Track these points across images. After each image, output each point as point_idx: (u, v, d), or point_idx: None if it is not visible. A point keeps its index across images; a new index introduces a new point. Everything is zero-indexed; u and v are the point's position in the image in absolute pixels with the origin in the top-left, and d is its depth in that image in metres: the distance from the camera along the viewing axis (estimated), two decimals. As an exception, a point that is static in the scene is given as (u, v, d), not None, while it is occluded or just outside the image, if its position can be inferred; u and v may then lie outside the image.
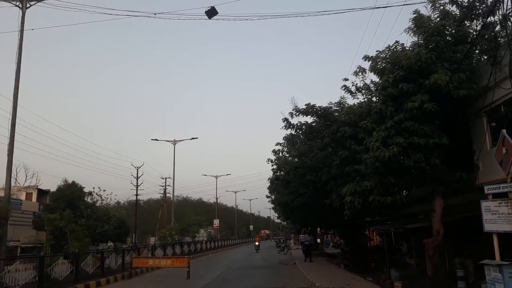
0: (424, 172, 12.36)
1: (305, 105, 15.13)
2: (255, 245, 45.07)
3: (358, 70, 14.25)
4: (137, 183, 48.05)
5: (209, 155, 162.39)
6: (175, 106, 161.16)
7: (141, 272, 21.81)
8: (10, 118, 14.80)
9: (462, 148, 12.33)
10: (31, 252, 36.20)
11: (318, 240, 43.13)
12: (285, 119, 16.03)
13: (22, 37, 14.92)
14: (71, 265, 16.37)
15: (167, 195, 58.91)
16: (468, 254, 13.53)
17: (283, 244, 41.98)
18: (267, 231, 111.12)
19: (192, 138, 44.25)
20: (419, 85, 11.35)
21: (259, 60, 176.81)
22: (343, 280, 15.49)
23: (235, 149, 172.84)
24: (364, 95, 14.78)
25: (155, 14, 14.62)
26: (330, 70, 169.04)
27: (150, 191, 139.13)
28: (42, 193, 45.83)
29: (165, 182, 56.43)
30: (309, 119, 15.93)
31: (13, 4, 15.05)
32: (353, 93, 14.85)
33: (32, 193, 44.93)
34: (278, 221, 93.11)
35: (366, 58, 13.28)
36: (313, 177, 17.67)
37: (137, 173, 47.96)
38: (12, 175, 15.45)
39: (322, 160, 16.29)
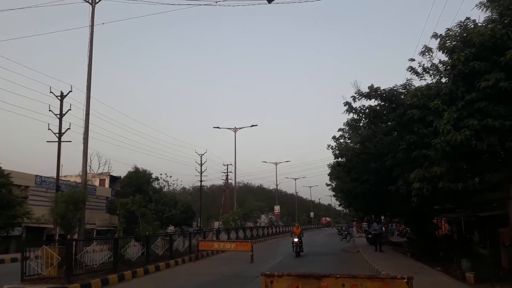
0: (499, 156, 11.55)
1: (368, 87, 14.55)
2: (293, 242, 23.41)
3: (424, 49, 13.47)
4: (201, 169, 49.72)
5: (269, 142, 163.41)
6: (236, 93, 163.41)
7: (207, 255, 22.60)
8: (84, 108, 15.81)
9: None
10: (105, 234, 38.95)
11: (383, 229, 41.92)
12: (347, 103, 15.55)
13: (93, 31, 15.78)
14: (142, 247, 17.23)
15: (229, 181, 60.44)
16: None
17: (346, 232, 41.40)
18: (328, 219, 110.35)
19: (252, 126, 44.75)
20: (493, 63, 10.49)
21: (320, 43, 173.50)
22: (410, 269, 14.97)
23: (294, 135, 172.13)
24: (432, 76, 13.99)
25: (216, 2, 14.78)
26: (394, 53, 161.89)
27: (213, 177, 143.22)
28: (113, 179, 48.96)
29: (227, 168, 57.85)
30: (373, 102, 15.36)
31: (83, 0, 16.00)
32: (420, 74, 14.09)
33: (105, 179, 48.15)
34: (340, 208, 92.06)
35: (434, 36, 12.51)
36: (377, 164, 17.11)
37: (201, 160, 49.58)
38: (87, 162, 16.51)
39: (387, 146, 15.67)
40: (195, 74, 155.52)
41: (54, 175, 28.67)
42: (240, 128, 44.76)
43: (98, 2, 16.02)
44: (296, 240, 23.08)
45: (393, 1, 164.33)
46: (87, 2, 15.98)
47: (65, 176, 38.07)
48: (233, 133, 44.34)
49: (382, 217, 38.67)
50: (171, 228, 38.52)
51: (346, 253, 25.11)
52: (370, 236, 31.63)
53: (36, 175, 35.40)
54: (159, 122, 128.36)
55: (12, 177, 29.09)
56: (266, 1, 11.23)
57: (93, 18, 15.99)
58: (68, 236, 15.16)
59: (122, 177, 47.80)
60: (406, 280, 6.15)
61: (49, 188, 33.94)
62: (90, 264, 13.76)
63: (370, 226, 45.56)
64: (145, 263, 16.54)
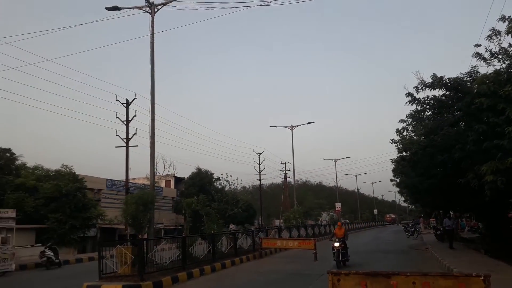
0: None
1: (431, 77, 13.89)
2: (333, 247, 17.34)
3: (492, 33, 12.63)
4: (259, 168, 50.24)
5: (327, 138, 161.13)
6: (292, 90, 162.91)
7: (270, 252, 22.78)
8: (149, 114, 16.55)
9: None
10: (172, 233, 40.54)
11: (455, 224, 39.76)
12: (409, 94, 14.96)
13: (153, 39, 16.49)
14: (208, 245, 17.71)
15: (287, 179, 60.47)
16: None
17: (412, 229, 39.80)
18: (392, 215, 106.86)
19: (309, 123, 44.41)
20: None
21: (376, 35, 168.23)
22: (485, 267, 14.10)
23: (354, 131, 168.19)
24: (501, 61, 13.07)
25: (270, 1, 14.86)
26: (455, 42, 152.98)
27: (272, 176, 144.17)
28: (178, 180, 50.89)
29: (285, 167, 57.93)
30: (437, 92, 14.64)
31: (143, 10, 16.74)
32: (488, 60, 13.22)
33: (170, 180, 50.22)
34: (405, 205, 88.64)
35: (502, 19, 11.70)
36: (444, 156, 16.27)
37: (259, 159, 50.11)
38: (154, 165, 17.25)
39: (454, 137, 14.87)
40: (252, 72, 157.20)
41: (123, 178, 30.35)
42: (297, 126, 44.60)
43: (157, 11, 16.68)
44: (337, 244, 16.92)
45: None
46: (147, 12, 16.71)
47: (133, 179, 40.15)
48: (290, 131, 44.30)
49: (451, 213, 36.77)
50: (231, 227, 39.31)
51: (414, 251, 24.17)
52: (439, 232, 30.19)
53: (107, 179, 37.67)
54: (218, 123, 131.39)
55: (86, 182, 31.24)
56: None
57: (153, 26, 16.66)
58: (139, 235, 15.96)
59: (186, 178, 49.53)
60: (482, 278, 5.79)
61: (119, 190, 35.97)
62: (161, 263, 14.36)
63: (438, 222, 43.52)
64: (211, 260, 16.98)
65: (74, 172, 30.73)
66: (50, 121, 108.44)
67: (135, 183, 39.76)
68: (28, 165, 33.16)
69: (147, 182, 35.51)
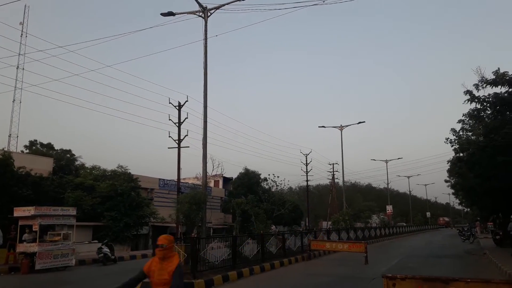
0: None
1: (493, 73, 13.15)
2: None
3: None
4: (306, 169, 49.92)
5: (379, 139, 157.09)
6: (342, 91, 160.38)
7: (319, 254, 22.53)
8: (202, 116, 16.92)
9: None
10: (221, 232, 41.14)
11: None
12: (468, 92, 14.25)
13: (206, 43, 16.85)
14: (257, 245, 17.78)
15: (335, 180, 59.54)
16: None
17: (468, 233, 37.90)
18: (446, 219, 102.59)
19: (359, 123, 43.39)
20: None
21: (433, 34, 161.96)
22: (552, 275, 13.18)
23: (407, 131, 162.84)
24: None
25: (324, 1, 14.64)
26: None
27: (319, 177, 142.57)
28: (226, 180, 51.63)
29: (333, 168, 57.10)
30: (499, 89, 13.83)
31: (197, 15, 17.15)
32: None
33: (218, 180, 51.03)
34: (459, 207, 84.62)
35: None
36: (506, 157, 15.37)
37: (306, 160, 49.77)
38: (206, 165, 17.59)
39: (517, 137, 14.05)
40: (300, 73, 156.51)
41: (175, 178, 31.19)
42: (346, 126, 43.79)
43: (209, 16, 16.99)
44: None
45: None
46: (200, 16, 17.06)
47: (183, 179, 41.20)
48: (339, 131, 43.59)
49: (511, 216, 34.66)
50: (272, 228, 39.28)
51: (470, 256, 22.98)
52: (498, 237, 28.49)
53: (160, 179, 38.90)
54: (266, 124, 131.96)
55: (139, 181, 32.44)
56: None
57: (206, 30, 17.01)
58: (192, 234, 16.33)
59: (233, 178, 50.15)
60: (551, 286, 5.42)
61: (171, 190, 37.01)
62: (212, 261, 14.60)
63: (496, 226, 41.12)
64: (260, 261, 17.03)
65: (129, 172, 32.01)
66: (108, 124, 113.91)
67: (186, 182, 40.77)
68: (86, 165, 34.96)
69: (197, 182, 36.37)
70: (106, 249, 20.49)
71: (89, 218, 27.82)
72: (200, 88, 17.11)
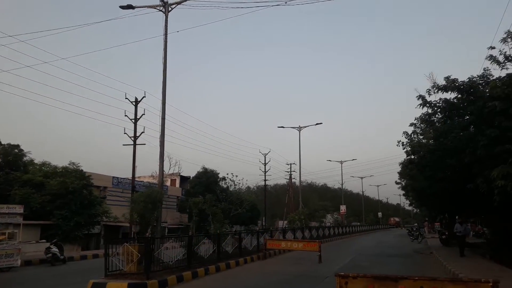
0: None
1: (444, 79, 13.80)
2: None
3: (507, 36, 12.51)
4: (265, 169, 50.25)
5: (334, 140, 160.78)
6: (301, 91, 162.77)
7: (274, 253, 22.71)
8: (160, 113, 16.53)
9: None
10: (176, 232, 40.54)
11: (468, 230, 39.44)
12: (420, 96, 14.87)
13: (167, 39, 16.45)
14: (213, 245, 17.65)
15: (293, 180, 60.37)
16: None
17: (417, 233, 39.62)
18: (396, 219, 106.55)
19: (317, 124, 44.15)
20: None
21: (387, 36, 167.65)
22: (491, 273, 13.96)
23: (361, 133, 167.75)
24: (515, 65, 12.97)
25: (286, 2, 14.73)
26: (470, 44, 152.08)
27: (277, 177, 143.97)
28: (183, 179, 50.99)
29: (290, 168, 57.87)
30: (449, 95, 14.53)
31: (157, 9, 16.71)
32: (501, 63, 13.10)
33: (175, 179, 50.31)
34: (410, 208, 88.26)
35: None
36: (453, 160, 16.15)
37: (265, 160, 50.12)
38: (163, 163, 17.23)
39: (465, 141, 14.76)
40: (260, 73, 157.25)
41: (129, 176, 30.41)
42: (305, 127, 44.43)
43: (171, 11, 16.66)
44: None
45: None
46: (161, 11, 16.68)
47: (138, 177, 40.26)
48: (298, 132, 44.18)
49: (457, 217, 36.61)
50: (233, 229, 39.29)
51: (418, 255, 24.01)
52: (444, 237, 29.97)
53: (113, 177, 37.80)
54: (225, 123, 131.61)
55: (92, 179, 31.32)
56: (333, -1, 11.00)
57: (167, 25, 16.62)
58: (147, 234, 15.96)
59: (191, 177, 49.59)
60: (491, 284, 5.69)
61: (125, 188, 36.07)
62: (166, 261, 14.34)
63: (443, 226, 43.23)
64: (216, 260, 16.93)
65: (81, 170, 30.85)
66: (59, 118, 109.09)
67: (141, 181, 39.87)
68: (35, 161, 33.32)
69: (152, 181, 35.61)
70: (54, 249, 19.69)
71: (38, 217, 26.62)
72: (159, 84, 16.77)
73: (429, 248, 27.32)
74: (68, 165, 30.81)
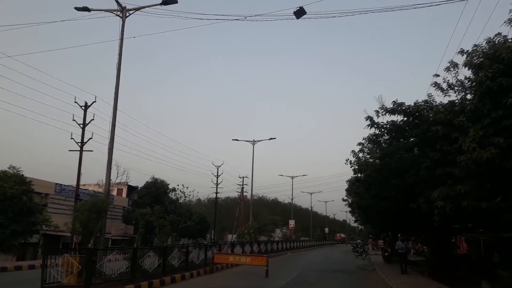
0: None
1: (392, 102, 14.51)
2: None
3: (450, 65, 13.36)
4: (217, 181, 49.90)
5: (287, 155, 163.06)
6: (256, 107, 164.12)
7: (222, 268, 22.45)
8: (111, 120, 15.97)
9: None
10: (120, 244, 39.06)
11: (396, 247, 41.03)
12: (369, 117, 15.50)
13: (122, 44, 16.06)
14: (159, 258, 17.19)
15: (244, 194, 60.35)
16: None
17: (361, 249, 40.79)
18: (342, 235, 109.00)
19: (271, 139, 44.63)
20: (522, 80, 10.31)
21: (343, 59, 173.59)
22: (429, 290, 14.66)
23: (313, 149, 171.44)
24: (456, 92, 13.85)
25: (245, 18, 14.90)
26: (418, 70, 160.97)
27: (229, 190, 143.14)
28: (131, 189, 49.36)
29: (243, 181, 57.85)
30: (395, 117, 15.25)
31: (114, 14, 16.31)
32: (444, 90, 13.95)
33: (122, 189, 48.58)
34: (355, 225, 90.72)
35: (460, 52, 12.41)
36: (397, 180, 16.88)
37: (217, 172, 49.79)
38: (111, 172, 16.63)
39: (409, 162, 15.49)
40: (216, 87, 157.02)
41: (74, 183, 29.02)
42: (259, 141, 44.72)
43: (128, 16, 16.31)
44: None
45: (418, 17, 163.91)
46: (118, 16, 16.29)
47: (83, 185, 38.55)
48: (252, 145, 44.37)
49: (399, 235, 38.09)
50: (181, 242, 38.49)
51: (362, 271, 24.72)
52: (386, 254, 31.06)
53: (56, 183, 35.89)
54: (179, 133, 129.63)
55: (33, 185, 29.54)
56: (294, 17, 11.25)
57: (123, 31, 16.25)
58: (89, 244, 15.27)
59: (139, 187, 48.18)
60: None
61: (68, 196, 34.37)
62: (109, 274, 13.78)
63: (386, 243, 44.83)
64: (161, 274, 16.51)
65: (22, 174, 29.00)
66: (3, 121, 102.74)
67: (86, 189, 38.18)
68: (-30, 164, 30.97)
69: (98, 189, 34.26)
70: (-15, 259, 18.30)
71: (-31, 224, 24.66)
72: (112, 90, 16.28)
73: (373, 265, 28.18)
74: (7, 169, 28.89)
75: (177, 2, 15.84)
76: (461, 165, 10.88)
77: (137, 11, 16.28)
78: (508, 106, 10.15)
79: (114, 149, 16.07)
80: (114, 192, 46.68)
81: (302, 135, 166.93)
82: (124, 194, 48.87)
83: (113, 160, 16.05)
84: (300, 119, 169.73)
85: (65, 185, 36.51)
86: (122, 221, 44.26)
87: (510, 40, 11.19)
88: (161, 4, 15.91)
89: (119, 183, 48.86)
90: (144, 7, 16.10)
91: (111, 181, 16.88)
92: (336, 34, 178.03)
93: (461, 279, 17.48)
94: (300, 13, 11.30)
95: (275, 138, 44.64)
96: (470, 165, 10.59)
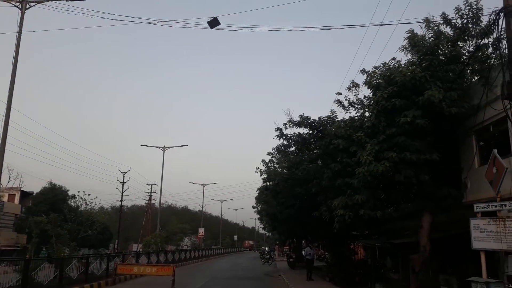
0: (413, 187, 12.51)
1: (299, 116, 15.29)
2: None
3: (351, 85, 14.47)
4: (122, 188, 47.67)
5: (198, 163, 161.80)
6: (167, 113, 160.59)
7: (125, 279, 21.48)
8: (3, 118, 14.57)
9: (451, 165, 12.54)
10: (11, 255, 35.30)
11: (303, 253, 42.92)
12: (278, 129, 16.16)
13: (20, 38, 14.72)
14: (55, 269, 16.03)
15: (152, 201, 58.45)
16: (452, 271, 13.69)
17: (268, 256, 41.80)
18: (251, 242, 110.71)
19: (182, 146, 44.01)
20: (412, 101, 11.48)
21: (254, 71, 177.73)
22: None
23: (224, 158, 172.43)
24: (356, 110, 15.00)
25: (158, 22, 14.57)
26: (324, 85, 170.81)
27: (136, 198, 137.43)
28: (25, 195, 45.02)
29: (151, 188, 56.06)
30: (302, 130, 16.08)
31: (12, 4, 14.88)
32: (346, 107, 15.05)
33: (15, 194, 44.10)
34: (263, 232, 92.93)
35: (363, 72, 13.49)
36: (302, 189, 17.73)
37: (123, 179, 47.62)
38: (0, 176, 15.05)
39: (313, 172, 16.39)
40: (126, 89, 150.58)
41: (-45, 188, 25.72)
42: (170, 147, 43.77)
43: (29, 8, 15.04)
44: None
45: (327, 37, 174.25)
46: (17, 7, 14.94)
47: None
48: (162, 152, 43.26)
49: (303, 242, 39.82)
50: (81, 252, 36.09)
51: (268, 277, 25.36)
52: (291, 260, 32.28)
53: None
54: (84, 137, 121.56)
55: None
56: (208, 27, 11.34)
57: (22, 23, 14.93)
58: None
59: (35, 193, 44.21)
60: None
61: None
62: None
63: (291, 250, 46.56)
64: (57, 286, 15.51)
65: None
66: None
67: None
68: None
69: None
70: None
71: None
72: (6, 86, 14.81)
73: (278, 271, 29.05)
74: None
75: (83, -1, 15.00)
76: (359, 177, 11.78)
77: (38, 4, 15.07)
78: (400, 124, 11.27)
79: (6, 151, 14.64)
80: (5, 198, 42.26)
81: (214, 143, 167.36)
82: (16, 201, 44.36)
83: (4, 163, 14.56)
84: (213, 127, 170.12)
85: None
86: (13, 229, 40.14)
87: (403, 65, 12.46)
88: (66, -1, 14.93)
89: (11, 188, 44.35)
90: (47, 0, 14.96)
91: (1, 186, 15.27)
92: (253, 46, 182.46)
93: (358, 283, 18.80)
94: (214, 23, 11.44)
95: (186, 145, 44.17)
96: (367, 176, 11.50)
